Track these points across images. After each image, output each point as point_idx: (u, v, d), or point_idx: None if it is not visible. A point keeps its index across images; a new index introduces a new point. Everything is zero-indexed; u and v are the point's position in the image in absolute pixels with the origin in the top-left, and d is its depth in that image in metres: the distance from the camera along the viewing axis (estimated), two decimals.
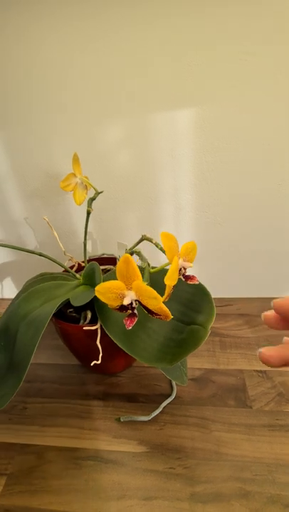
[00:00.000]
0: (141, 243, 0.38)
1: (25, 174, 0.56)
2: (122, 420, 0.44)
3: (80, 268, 0.54)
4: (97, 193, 0.43)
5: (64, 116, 0.50)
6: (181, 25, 0.43)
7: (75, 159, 0.42)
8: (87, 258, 0.56)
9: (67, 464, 0.41)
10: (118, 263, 0.24)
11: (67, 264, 0.55)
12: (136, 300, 0.25)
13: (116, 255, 0.54)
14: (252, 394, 0.47)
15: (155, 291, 0.23)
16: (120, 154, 0.52)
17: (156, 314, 0.26)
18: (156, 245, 0.38)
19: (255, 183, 0.53)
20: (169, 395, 0.48)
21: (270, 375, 0.50)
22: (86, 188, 0.44)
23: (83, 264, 0.54)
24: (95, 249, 0.64)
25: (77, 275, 0.49)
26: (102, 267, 0.49)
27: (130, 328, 0.25)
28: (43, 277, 0.49)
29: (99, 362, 0.35)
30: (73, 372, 0.54)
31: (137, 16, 0.43)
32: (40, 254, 0.47)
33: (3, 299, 0.75)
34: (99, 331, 0.38)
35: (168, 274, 0.26)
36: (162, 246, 0.27)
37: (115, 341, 0.35)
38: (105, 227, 0.61)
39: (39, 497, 0.38)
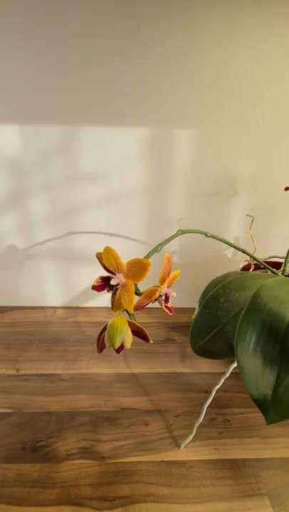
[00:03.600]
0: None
1: (201, 174, 0.55)
2: None
3: (256, 268, 0.53)
4: None
5: (254, 127, 0.52)
6: None
7: None
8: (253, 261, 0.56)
9: None
10: None
11: (242, 264, 0.54)
12: None
13: None
14: None
15: None
16: None
17: None
18: None
19: None
20: None
21: None
22: None
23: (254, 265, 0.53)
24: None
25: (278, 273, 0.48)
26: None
27: None
28: (243, 276, 0.47)
29: None
30: None
31: None
32: (244, 252, 0.46)
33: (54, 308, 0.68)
34: None
35: None
36: None
37: None
38: (256, 232, 0.61)
39: None
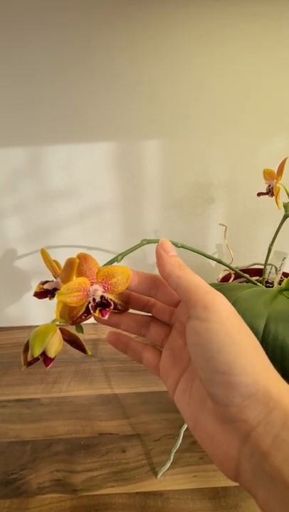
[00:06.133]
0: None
1: (173, 183, 0.54)
2: None
3: (236, 277, 0.51)
4: None
5: (222, 133, 0.50)
6: None
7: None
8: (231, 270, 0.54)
9: None
10: None
11: (222, 274, 0.52)
12: None
13: (275, 265, 0.52)
14: None
15: None
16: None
17: None
18: None
19: None
20: None
21: None
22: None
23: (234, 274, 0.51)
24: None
25: (258, 283, 0.46)
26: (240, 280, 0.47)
27: None
28: (221, 287, 0.44)
29: None
30: None
31: None
32: (219, 262, 0.44)
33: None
34: None
35: None
36: None
37: None
38: (237, 239, 0.59)
39: None
